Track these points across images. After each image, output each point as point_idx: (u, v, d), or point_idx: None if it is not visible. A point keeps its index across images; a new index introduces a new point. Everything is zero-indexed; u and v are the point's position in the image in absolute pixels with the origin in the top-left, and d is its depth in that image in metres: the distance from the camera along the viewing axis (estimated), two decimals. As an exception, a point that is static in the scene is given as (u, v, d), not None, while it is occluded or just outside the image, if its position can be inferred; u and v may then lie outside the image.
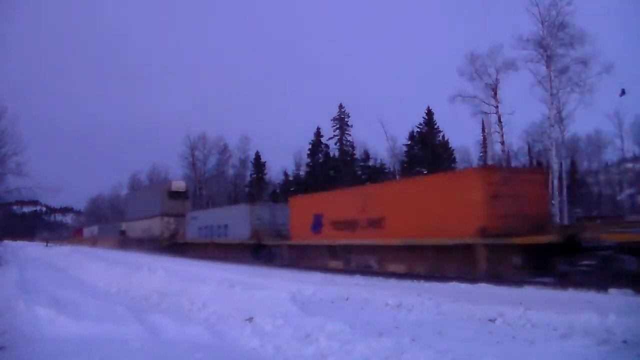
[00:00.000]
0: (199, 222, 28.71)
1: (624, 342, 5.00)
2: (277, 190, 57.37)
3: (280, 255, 20.15)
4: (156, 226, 35.35)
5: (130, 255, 26.43)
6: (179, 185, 37.79)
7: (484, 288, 10.24)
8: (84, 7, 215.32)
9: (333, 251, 17.04)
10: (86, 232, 69.06)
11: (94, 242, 56.66)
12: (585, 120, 52.52)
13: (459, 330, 5.93)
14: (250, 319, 6.62)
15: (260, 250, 21.48)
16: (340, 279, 13.05)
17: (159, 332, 5.82)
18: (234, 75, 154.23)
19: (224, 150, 59.25)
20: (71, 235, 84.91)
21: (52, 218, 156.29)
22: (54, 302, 7.05)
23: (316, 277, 13.78)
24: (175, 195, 35.67)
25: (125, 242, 42.82)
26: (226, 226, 25.00)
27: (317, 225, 17.88)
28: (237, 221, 23.55)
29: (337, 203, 17.60)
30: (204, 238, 27.46)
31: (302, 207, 19.61)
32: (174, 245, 32.12)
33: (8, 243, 46.40)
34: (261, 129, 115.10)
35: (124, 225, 47.10)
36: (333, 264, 16.82)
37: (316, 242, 17.90)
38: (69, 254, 26.79)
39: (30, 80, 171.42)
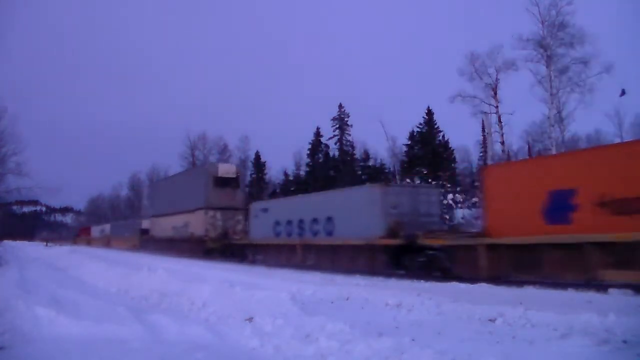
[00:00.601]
0: (275, 216, 20.96)
1: (624, 342, 4.99)
2: (277, 190, 57.44)
3: (465, 262, 12.41)
4: (197, 223, 27.17)
5: (135, 257, 25.08)
6: (227, 169, 28.43)
7: (484, 288, 10.27)
8: (83, 7, 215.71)
9: (617, 253, 9.46)
10: (95, 231, 62.89)
11: (106, 242, 51.19)
12: (585, 120, 52.68)
13: (459, 330, 5.93)
14: (250, 319, 6.61)
15: (407, 256, 13.99)
16: (340, 279, 13.09)
17: (159, 332, 5.82)
18: (234, 75, 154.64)
19: (224, 150, 59.38)
20: (76, 234, 78.58)
21: (52, 218, 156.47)
22: (54, 302, 7.03)
23: (316, 277, 13.82)
24: (222, 182, 27.02)
25: (148, 242, 35.59)
26: (329, 219, 17.55)
27: (558, 208, 10.65)
28: (356, 211, 16.20)
29: (613, 167, 9.91)
30: (284, 238, 20.01)
31: (517, 180, 11.89)
32: (226, 248, 24.80)
33: (8, 243, 46.40)
34: (261, 129, 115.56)
35: (146, 222, 39.59)
36: (617, 275, 9.51)
37: (563, 239, 10.22)
38: (69, 254, 26.78)
39: (30, 80, 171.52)
